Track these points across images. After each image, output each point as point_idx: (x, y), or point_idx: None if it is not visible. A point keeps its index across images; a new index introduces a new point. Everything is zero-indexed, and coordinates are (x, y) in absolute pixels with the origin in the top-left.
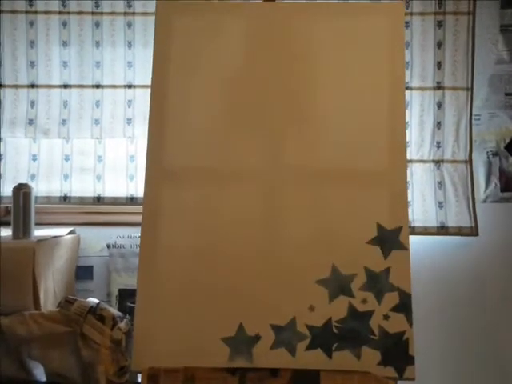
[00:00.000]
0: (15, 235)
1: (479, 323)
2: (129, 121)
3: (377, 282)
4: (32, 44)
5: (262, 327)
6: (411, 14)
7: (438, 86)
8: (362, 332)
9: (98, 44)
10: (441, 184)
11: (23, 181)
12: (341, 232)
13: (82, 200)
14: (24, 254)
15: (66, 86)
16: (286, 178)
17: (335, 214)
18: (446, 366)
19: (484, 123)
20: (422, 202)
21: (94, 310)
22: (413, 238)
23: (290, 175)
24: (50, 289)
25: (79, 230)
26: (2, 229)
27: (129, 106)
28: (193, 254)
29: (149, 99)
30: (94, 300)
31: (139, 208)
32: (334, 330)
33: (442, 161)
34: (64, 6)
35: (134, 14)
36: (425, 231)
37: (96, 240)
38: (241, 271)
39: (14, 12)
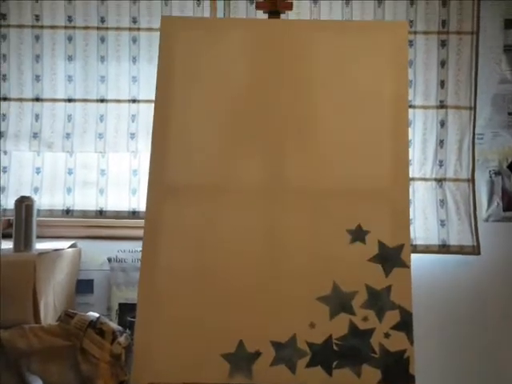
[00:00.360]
0: (16, 248)
1: (480, 342)
2: (132, 135)
3: (378, 300)
4: (37, 58)
5: (262, 344)
6: (415, 32)
7: (441, 105)
8: (363, 350)
9: (102, 59)
10: (443, 202)
11: (27, 194)
12: (342, 249)
13: (84, 213)
14: (25, 267)
15: (70, 100)
16: (288, 195)
17: (337, 231)
18: (445, 382)
19: (487, 142)
20: (424, 220)
21: (93, 324)
22: (414, 256)
23: (291, 193)
24: (51, 302)
25: (81, 243)
26: (4, 241)
27: (132, 121)
28: (193, 270)
29: (152, 114)
30: (94, 314)
31: (141, 222)
32: (335, 347)
33: (445, 179)
34: (70, 21)
35: (139, 29)
36: (426, 249)
37: (97, 254)
38: (241, 287)
39: (20, 26)
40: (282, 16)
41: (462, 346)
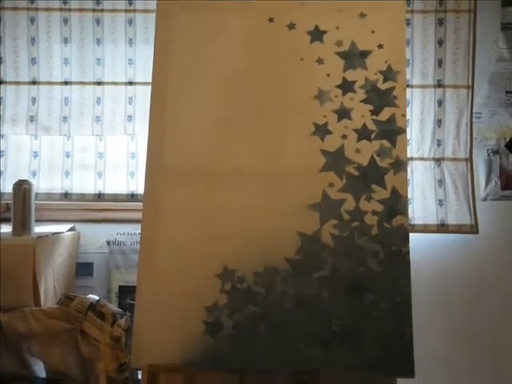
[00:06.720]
0: (15, 232)
1: (479, 320)
2: (129, 118)
3: (377, 281)
4: (33, 41)
5: (261, 326)
6: (412, 11)
7: (439, 84)
8: (362, 330)
9: (98, 41)
10: (441, 182)
11: (24, 177)
12: (340, 230)
13: (82, 197)
14: (24, 251)
15: (66, 83)
16: (284, 176)
17: (335, 212)
18: (445, 363)
19: (485, 121)
20: (423, 199)
21: (94, 307)
22: (413, 236)
23: (287, 174)
24: (50, 285)
25: (79, 226)
26: (2, 225)
27: (129, 103)
28: (192, 252)
29: (149, 96)
30: (94, 297)
31: (140, 205)
32: (335, 327)
33: (443, 159)
34: (65, 3)
35: (134, 11)
36: (425, 229)
37: (96, 237)
38: (240, 269)
39: (15, 9)
40: None
41: (461, 325)
